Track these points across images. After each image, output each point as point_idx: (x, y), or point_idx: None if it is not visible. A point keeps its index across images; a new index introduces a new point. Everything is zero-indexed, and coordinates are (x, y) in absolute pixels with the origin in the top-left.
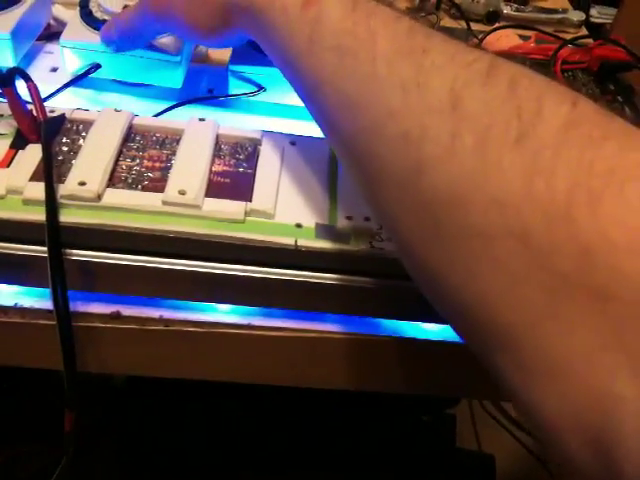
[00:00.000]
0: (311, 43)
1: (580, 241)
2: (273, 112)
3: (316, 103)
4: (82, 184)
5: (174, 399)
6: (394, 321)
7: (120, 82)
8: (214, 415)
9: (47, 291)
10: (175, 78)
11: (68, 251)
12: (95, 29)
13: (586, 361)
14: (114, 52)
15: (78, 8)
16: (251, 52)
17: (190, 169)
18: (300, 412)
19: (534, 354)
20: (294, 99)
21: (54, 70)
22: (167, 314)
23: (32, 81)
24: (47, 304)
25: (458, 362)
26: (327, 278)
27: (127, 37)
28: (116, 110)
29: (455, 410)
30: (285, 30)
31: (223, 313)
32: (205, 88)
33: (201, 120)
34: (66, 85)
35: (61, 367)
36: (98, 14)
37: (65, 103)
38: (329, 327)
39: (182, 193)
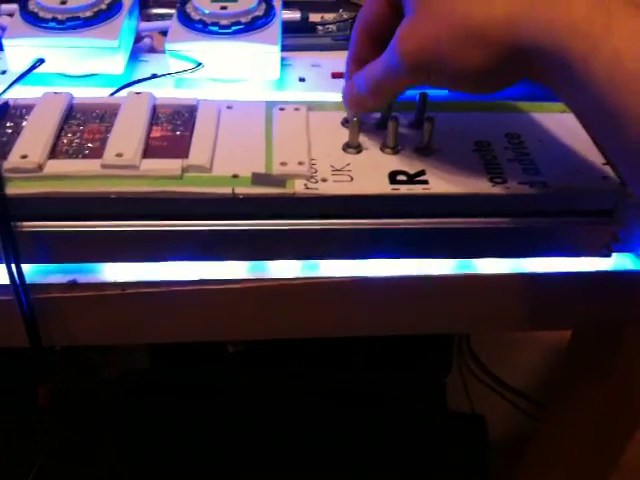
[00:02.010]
0: None
1: None
2: (214, 87)
3: None
4: (24, 157)
5: (174, 399)
6: (338, 260)
7: (66, 75)
8: (215, 415)
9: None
10: (116, 64)
11: (18, 224)
12: (34, 25)
13: None
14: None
15: (18, 7)
16: (185, 30)
17: (127, 134)
18: (299, 410)
19: None
20: (231, 72)
21: (3, 73)
22: (121, 278)
23: None
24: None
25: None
26: (268, 224)
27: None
28: (56, 93)
29: (447, 379)
30: (617, 86)
31: (176, 270)
32: (148, 74)
33: (138, 94)
34: (12, 83)
35: (26, 344)
36: (35, 9)
37: None
38: (283, 274)
39: (119, 155)
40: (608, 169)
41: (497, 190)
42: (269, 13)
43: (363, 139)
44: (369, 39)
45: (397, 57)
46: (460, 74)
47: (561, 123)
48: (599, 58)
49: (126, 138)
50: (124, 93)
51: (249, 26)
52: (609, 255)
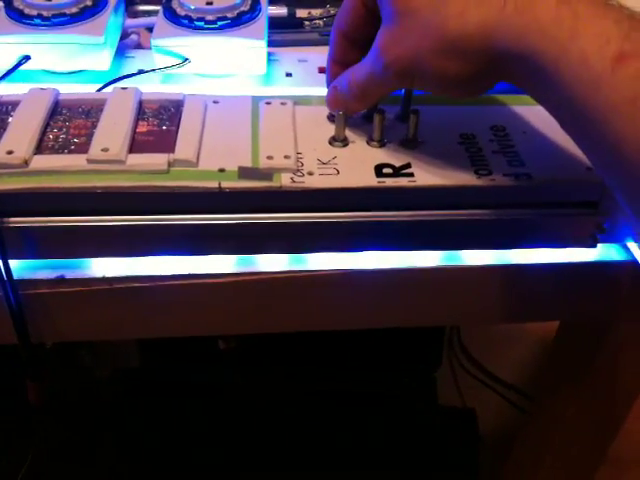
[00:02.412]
0: (636, 106)
1: None
2: (200, 82)
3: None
4: (9, 152)
5: (172, 398)
6: (325, 253)
7: (53, 72)
8: (214, 414)
9: None
10: (102, 60)
11: (4, 219)
12: (19, 22)
13: None
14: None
15: (2, 4)
16: (171, 26)
17: (113, 129)
18: (293, 408)
19: None
20: (218, 68)
21: None
22: (109, 273)
23: None
24: None
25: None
26: (255, 218)
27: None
28: (42, 89)
29: (437, 373)
30: (585, 86)
31: (163, 265)
32: (135, 70)
33: (124, 89)
34: None
35: (15, 340)
36: (20, 5)
37: None
38: (270, 268)
39: (105, 150)
40: None
41: (482, 182)
42: (255, 8)
43: (349, 133)
44: (346, 41)
45: (382, 65)
46: (442, 81)
47: (545, 115)
48: (569, 59)
49: (112, 133)
50: (110, 89)
51: (235, 21)
52: (594, 246)
